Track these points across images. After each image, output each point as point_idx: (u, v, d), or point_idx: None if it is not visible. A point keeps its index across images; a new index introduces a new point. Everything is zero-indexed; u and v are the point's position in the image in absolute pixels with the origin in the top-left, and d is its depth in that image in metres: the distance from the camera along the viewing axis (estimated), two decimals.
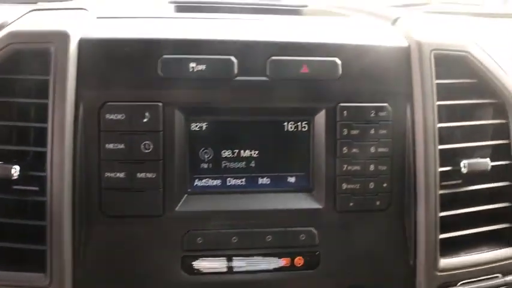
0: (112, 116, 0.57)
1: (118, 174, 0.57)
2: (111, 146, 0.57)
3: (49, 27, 0.57)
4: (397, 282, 0.62)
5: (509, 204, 0.66)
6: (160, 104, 0.58)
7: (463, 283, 0.62)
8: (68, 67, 0.56)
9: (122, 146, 0.57)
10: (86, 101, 0.57)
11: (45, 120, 0.56)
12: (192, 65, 0.57)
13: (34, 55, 0.57)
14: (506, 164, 0.66)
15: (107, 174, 0.57)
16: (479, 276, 0.63)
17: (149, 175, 0.58)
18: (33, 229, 0.56)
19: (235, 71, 0.58)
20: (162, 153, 0.58)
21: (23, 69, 0.58)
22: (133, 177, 0.57)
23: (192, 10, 0.92)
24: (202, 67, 0.58)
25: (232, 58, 0.58)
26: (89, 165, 0.57)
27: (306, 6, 1.00)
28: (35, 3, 1.00)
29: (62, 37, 0.56)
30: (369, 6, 0.81)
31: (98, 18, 0.62)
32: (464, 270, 0.62)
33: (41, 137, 0.57)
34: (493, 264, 0.63)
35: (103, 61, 0.57)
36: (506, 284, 0.63)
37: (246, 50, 0.59)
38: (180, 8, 0.92)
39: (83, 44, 0.57)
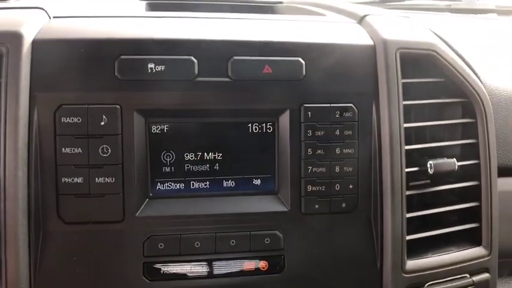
0: (68, 119, 0.55)
1: (75, 179, 0.56)
2: (67, 150, 0.55)
3: (1, 28, 0.55)
4: (364, 285, 0.61)
5: (477, 204, 0.65)
6: (118, 106, 0.56)
7: (431, 284, 0.61)
8: (21, 69, 0.54)
9: (79, 150, 0.55)
10: (41, 104, 0.55)
11: None
12: (151, 65, 0.56)
13: None
14: (474, 164, 0.65)
15: (64, 179, 0.56)
16: (446, 277, 0.62)
17: (108, 180, 0.56)
18: None
19: (196, 71, 0.57)
20: (122, 157, 0.56)
21: None
22: (92, 182, 0.56)
23: (163, 7, 0.90)
24: (161, 68, 0.56)
25: (193, 58, 0.56)
26: (44, 170, 0.55)
27: (281, 2, 0.98)
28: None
29: (15, 38, 0.54)
30: (340, 3, 0.80)
31: (54, 17, 0.60)
32: (431, 271, 0.61)
33: None
34: (461, 265, 0.63)
35: (58, 62, 0.55)
36: (474, 284, 0.63)
37: (207, 50, 0.57)
38: (151, 6, 0.90)
39: (37, 44, 0.55)
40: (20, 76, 0.54)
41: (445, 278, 0.62)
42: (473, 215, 0.66)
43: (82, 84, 0.55)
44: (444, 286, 0.61)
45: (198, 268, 0.58)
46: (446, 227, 0.64)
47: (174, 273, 0.57)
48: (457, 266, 0.62)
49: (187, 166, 0.60)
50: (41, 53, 0.55)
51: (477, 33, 0.88)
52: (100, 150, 0.56)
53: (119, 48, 0.56)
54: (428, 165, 0.61)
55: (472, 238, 0.66)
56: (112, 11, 0.68)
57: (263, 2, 1.00)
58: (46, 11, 0.60)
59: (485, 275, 0.64)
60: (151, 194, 0.59)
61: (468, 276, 0.63)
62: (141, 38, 0.57)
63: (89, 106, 0.55)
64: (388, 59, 0.60)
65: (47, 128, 0.55)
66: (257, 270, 0.59)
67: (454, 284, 0.62)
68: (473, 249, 0.64)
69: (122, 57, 0.55)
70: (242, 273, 0.58)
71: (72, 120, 0.55)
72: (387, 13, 0.71)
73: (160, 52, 0.56)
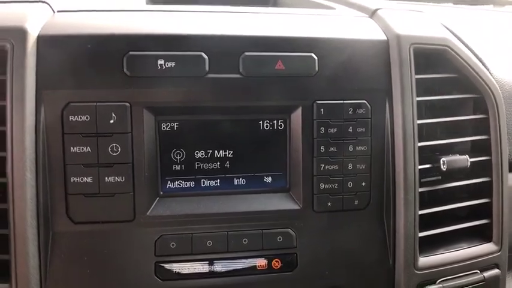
0: (76, 118, 0.54)
1: (85, 179, 0.55)
2: (76, 149, 0.54)
3: (4, 23, 0.53)
4: (376, 282, 0.61)
5: (489, 200, 0.65)
6: (127, 104, 0.55)
7: (442, 280, 0.61)
8: (26, 66, 0.52)
9: (88, 149, 0.54)
10: (48, 102, 0.53)
11: (3, 123, 0.52)
12: (161, 62, 0.54)
13: None
14: (485, 160, 0.65)
15: (73, 179, 0.54)
16: (458, 273, 0.62)
17: (118, 179, 0.55)
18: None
19: (207, 68, 0.55)
20: (131, 156, 0.55)
21: None
22: (101, 182, 0.55)
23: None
24: (171, 64, 0.54)
25: (203, 54, 0.55)
26: (53, 169, 0.54)
27: None
28: None
29: (19, 34, 0.52)
30: None
31: (58, 11, 0.58)
32: (443, 268, 0.61)
33: (0, 140, 0.53)
34: (472, 261, 0.63)
35: (65, 59, 0.53)
36: (484, 280, 0.63)
37: (218, 46, 0.56)
38: None
39: (42, 40, 0.53)
40: (25, 73, 0.52)
41: (456, 274, 0.62)
42: (483, 211, 0.66)
43: (90, 82, 0.54)
44: (455, 282, 0.61)
45: (210, 267, 0.57)
46: (457, 223, 0.64)
47: (186, 272, 0.57)
48: (468, 262, 0.63)
49: (198, 164, 0.59)
50: (47, 49, 0.53)
51: (486, 26, 0.87)
52: (109, 149, 0.55)
53: (128, 44, 0.54)
54: (441, 162, 0.61)
55: (482, 234, 0.66)
56: (116, 4, 0.66)
57: None
58: (49, 5, 0.59)
59: (496, 271, 0.64)
60: (161, 193, 0.58)
61: (479, 272, 0.63)
62: (150, 33, 0.55)
63: (98, 104, 0.54)
64: (402, 55, 0.59)
65: (54, 126, 0.54)
66: (269, 269, 0.58)
67: (465, 280, 0.62)
68: (484, 245, 0.64)
69: (131, 53, 0.54)
70: (255, 271, 0.58)
71: (81, 118, 0.54)
72: (398, 6, 0.69)
73: (170, 48, 0.55)
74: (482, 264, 0.64)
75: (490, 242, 0.65)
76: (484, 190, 0.65)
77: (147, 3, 0.85)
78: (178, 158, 0.58)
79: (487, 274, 0.63)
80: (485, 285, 0.63)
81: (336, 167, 0.59)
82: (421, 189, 0.60)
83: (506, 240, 0.65)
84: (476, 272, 0.63)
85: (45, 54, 0.53)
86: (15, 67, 0.52)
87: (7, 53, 0.52)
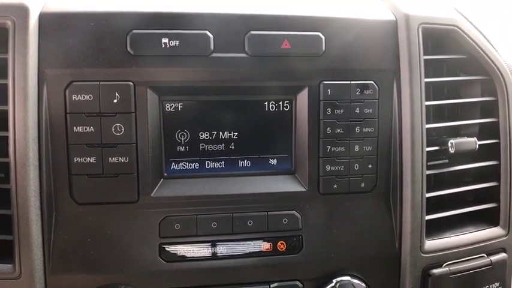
0: (79, 97, 0.53)
1: (88, 159, 0.54)
2: (79, 129, 0.53)
3: (5, 0, 0.52)
4: (382, 265, 0.60)
5: (497, 184, 0.64)
6: (131, 83, 0.54)
7: (449, 264, 0.61)
8: (28, 44, 0.51)
9: (91, 129, 0.54)
10: (50, 80, 0.53)
11: (5, 102, 0.52)
12: (165, 40, 0.53)
13: None
14: (493, 143, 0.64)
15: (76, 159, 0.54)
16: (464, 257, 0.62)
17: (122, 159, 0.54)
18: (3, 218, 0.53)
19: (212, 47, 0.54)
20: (135, 136, 0.54)
21: None
22: (105, 162, 0.54)
23: None
24: (175, 43, 0.54)
25: (208, 33, 0.54)
26: (56, 150, 0.54)
27: None
28: None
29: (20, 11, 0.51)
30: None
31: None
32: (449, 251, 0.61)
33: (3, 120, 0.52)
34: (478, 245, 0.62)
35: (67, 37, 0.52)
36: (491, 263, 0.62)
37: (223, 24, 0.55)
38: None
39: (44, 18, 0.52)
40: (27, 52, 0.51)
41: (463, 257, 0.61)
42: (490, 195, 0.65)
43: (93, 60, 0.53)
44: (462, 266, 0.61)
45: (215, 249, 0.57)
46: (463, 207, 0.63)
47: (191, 254, 0.56)
48: (475, 246, 0.62)
49: (202, 145, 0.58)
50: (49, 27, 0.52)
51: (494, 8, 0.86)
52: (113, 129, 0.54)
53: (131, 21, 0.53)
54: (449, 144, 0.60)
55: (489, 218, 0.65)
56: None
57: None
58: None
59: (503, 255, 0.63)
60: (165, 174, 0.58)
61: (485, 256, 0.62)
62: (154, 11, 0.54)
63: (101, 83, 0.53)
64: (410, 35, 0.58)
65: (57, 106, 0.53)
66: (275, 251, 0.58)
67: (472, 263, 0.61)
68: (491, 229, 0.64)
69: (134, 31, 0.53)
70: (260, 253, 0.57)
71: (84, 97, 0.53)
72: None
73: (174, 26, 0.54)
74: (489, 248, 0.63)
75: (497, 226, 0.64)
76: (492, 174, 0.64)
77: None
78: (182, 139, 0.58)
79: (494, 258, 0.62)
80: (492, 269, 0.62)
81: (342, 148, 0.58)
82: (428, 172, 0.60)
83: None
84: (483, 256, 0.62)
85: (48, 32, 0.52)
86: (16, 45, 0.51)
87: (8, 31, 0.51)
